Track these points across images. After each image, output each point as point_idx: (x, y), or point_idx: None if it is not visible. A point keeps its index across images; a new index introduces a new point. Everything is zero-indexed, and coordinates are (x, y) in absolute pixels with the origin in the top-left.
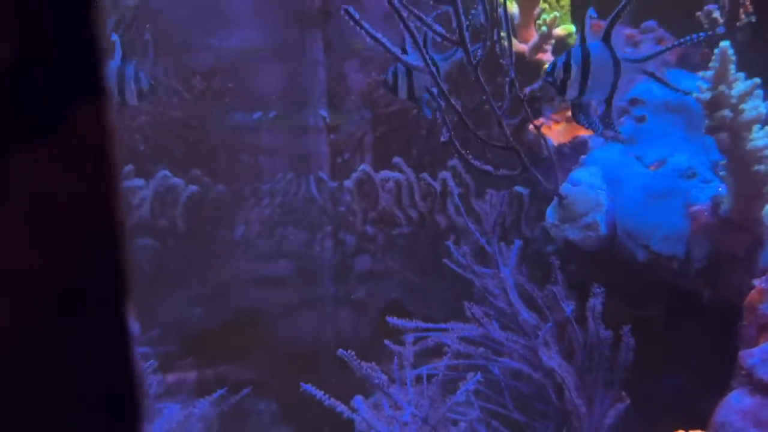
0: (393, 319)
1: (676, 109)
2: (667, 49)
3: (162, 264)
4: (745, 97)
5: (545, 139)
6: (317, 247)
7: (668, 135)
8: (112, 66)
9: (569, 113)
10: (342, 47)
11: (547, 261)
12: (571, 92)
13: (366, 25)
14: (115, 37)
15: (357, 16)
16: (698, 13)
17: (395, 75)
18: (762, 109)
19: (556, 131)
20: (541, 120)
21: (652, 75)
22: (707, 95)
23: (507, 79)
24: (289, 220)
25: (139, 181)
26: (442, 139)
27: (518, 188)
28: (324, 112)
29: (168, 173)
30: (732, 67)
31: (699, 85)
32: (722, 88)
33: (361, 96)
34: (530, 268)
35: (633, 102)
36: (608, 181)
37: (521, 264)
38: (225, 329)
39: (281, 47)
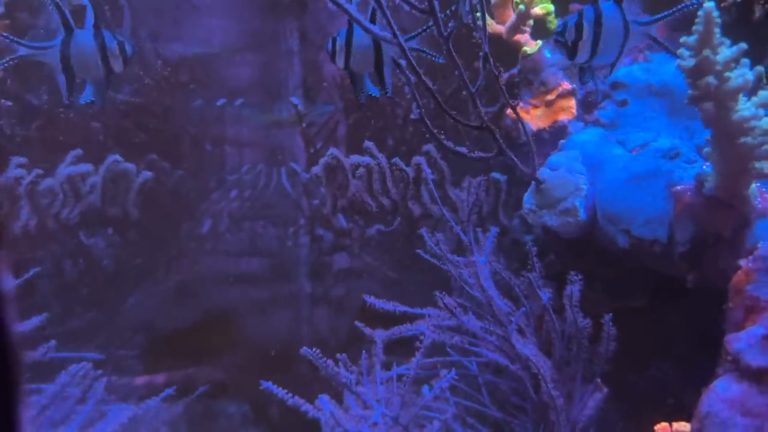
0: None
1: (660, 93)
2: (673, 13)
3: (124, 259)
4: (731, 63)
5: (522, 122)
6: (290, 242)
7: (651, 119)
8: (86, 33)
9: (548, 97)
10: (318, 38)
11: (526, 251)
12: (583, 55)
13: None
14: (86, 2)
15: None
16: None
17: (334, 42)
18: (749, 77)
19: (534, 116)
20: (520, 104)
21: (655, 40)
22: (690, 62)
23: (481, 53)
24: (260, 214)
25: (86, 166)
26: (412, 116)
27: (495, 174)
28: (296, 100)
29: (118, 158)
30: (717, 31)
31: (680, 52)
32: (707, 52)
33: (334, 84)
34: (508, 258)
35: (615, 86)
36: (588, 165)
37: (499, 253)
38: (195, 329)
39: (255, 37)
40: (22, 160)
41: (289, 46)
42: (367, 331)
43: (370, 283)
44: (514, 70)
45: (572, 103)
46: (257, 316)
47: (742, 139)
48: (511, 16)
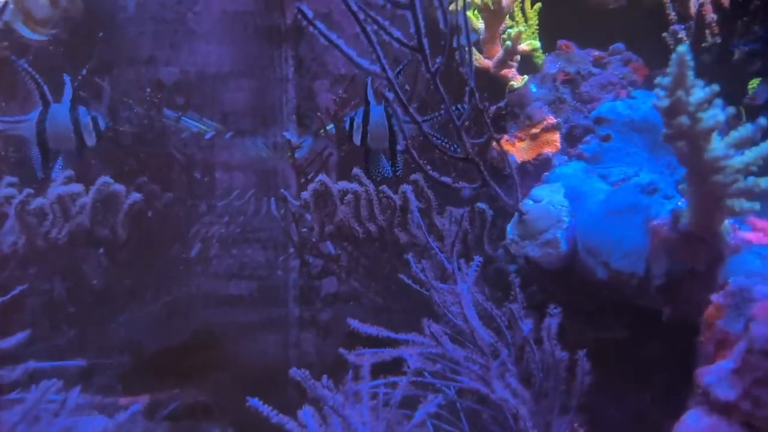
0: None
1: (641, 129)
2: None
3: (113, 279)
4: (703, 104)
5: (506, 156)
6: (279, 271)
7: (633, 154)
8: (62, 109)
9: (533, 130)
10: (313, 65)
11: (509, 280)
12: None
13: (321, 26)
14: (66, 78)
15: (311, 15)
16: (664, 34)
17: (351, 121)
18: (720, 118)
19: (520, 148)
20: (506, 137)
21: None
22: (665, 102)
23: (467, 88)
24: (250, 238)
25: (76, 187)
26: (398, 147)
27: (481, 204)
28: (289, 135)
29: (108, 179)
30: (690, 73)
31: (657, 92)
32: (680, 93)
33: (328, 115)
34: (492, 287)
35: (598, 121)
36: (570, 197)
37: (483, 282)
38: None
39: (251, 63)
40: (13, 179)
41: (284, 73)
42: (351, 357)
43: (358, 308)
44: (501, 103)
45: (557, 136)
46: (245, 339)
47: (715, 178)
48: (499, 52)
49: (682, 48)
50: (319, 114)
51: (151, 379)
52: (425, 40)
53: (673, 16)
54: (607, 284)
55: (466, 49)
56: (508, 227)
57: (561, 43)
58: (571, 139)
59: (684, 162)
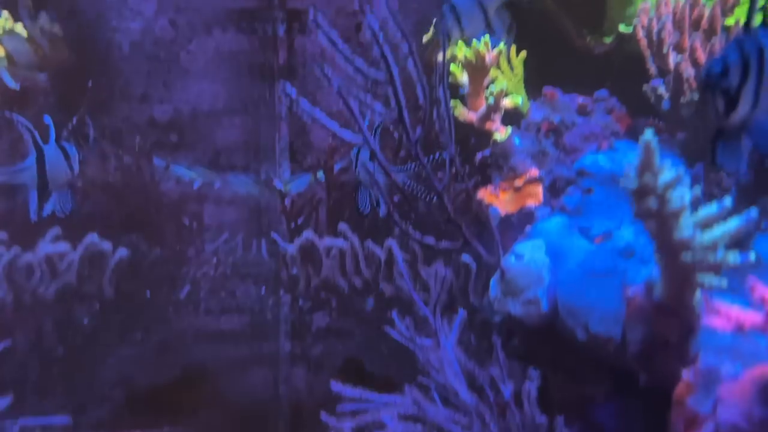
0: (337, 386)
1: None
2: None
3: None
4: (670, 187)
5: (488, 211)
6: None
7: (615, 207)
8: (52, 148)
9: (517, 183)
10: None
11: (494, 331)
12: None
13: (333, 36)
14: (48, 120)
15: (326, 27)
16: (645, 87)
17: (357, 158)
18: (686, 199)
19: (503, 200)
20: (490, 189)
21: None
22: (633, 183)
23: (446, 154)
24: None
25: (64, 246)
26: (381, 213)
27: (465, 257)
28: (279, 184)
29: (96, 238)
30: (656, 157)
31: (626, 172)
32: (647, 178)
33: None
34: (477, 337)
35: (581, 173)
36: (551, 254)
37: (469, 332)
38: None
39: (244, 101)
40: (2, 235)
41: (277, 111)
42: (332, 422)
43: (349, 343)
44: (487, 152)
45: (539, 189)
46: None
47: (684, 256)
48: (483, 105)
49: (647, 136)
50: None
51: (141, 417)
52: (405, 114)
53: (653, 69)
54: (587, 345)
55: (446, 118)
56: (492, 282)
57: (546, 90)
58: (554, 190)
59: (654, 239)
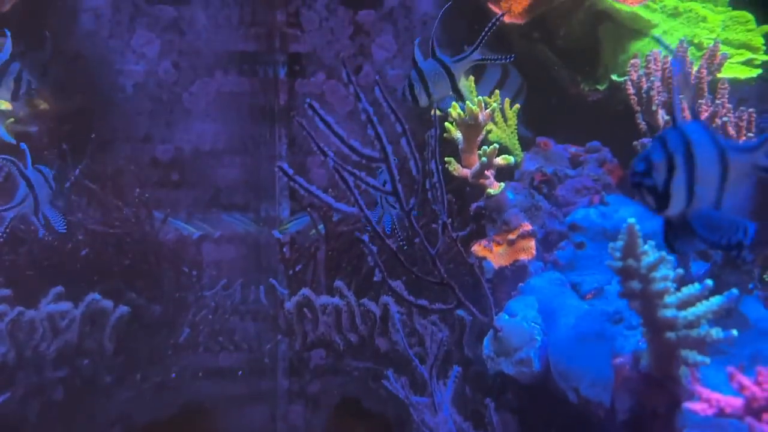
0: None
1: (614, 237)
2: None
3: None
4: (653, 268)
5: (482, 271)
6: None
7: (605, 263)
8: (33, 173)
9: (510, 236)
10: (305, 143)
11: (489, 384)
12: (679, 200)
13: (329, 119)
14: (23, 146)
15: (321, 112)
16: (635, 143)
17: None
18: (669, 281)
19: (497, 254)
20: (484, 243)
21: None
22: (618, 264)
23: (440, 221)
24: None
25: (66, 305)
26: (375, 278)
27: (460, 312)
28: (277, 234)
29: (97, 296)
30: (639, 241)
31: (611, 252)
32: (630, 262)
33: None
34: (473, 389)
35: (573, 227)
36: (544, 313)
37: (464, 384)
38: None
39: (245, 141)
40: (6, 292)
41: (277, 151)
42: None
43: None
44: (481, 203)
45: (532, 243)
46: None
47: (668, 334)
48: (476, 162)
49: (631, 220)
50: (309, 211)
51: None
52: (400, 187)
53: (642, 125)
54: (578, 408)
55: (438, 188)
56: (485, 340)
57: (540, 140)
58: (546, 244)
59: (640, 315)
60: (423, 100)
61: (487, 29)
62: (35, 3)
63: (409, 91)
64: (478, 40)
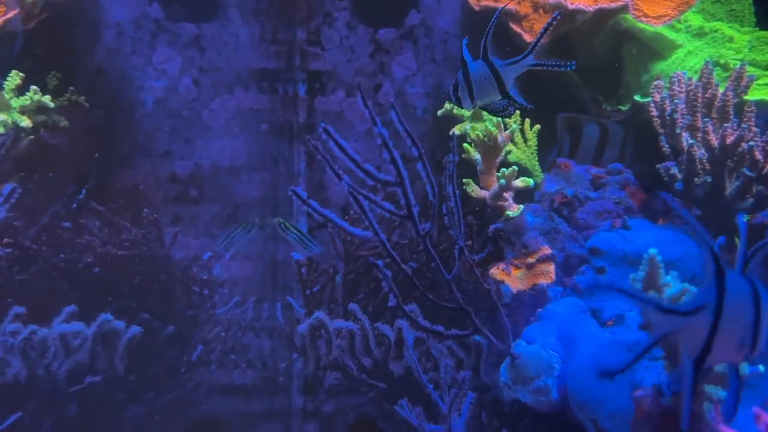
0: None
1: (635, 263)
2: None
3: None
4: (675, 301)
5: (499, 295)
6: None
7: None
8: None
9: (529, 260)
10: (323, 161)
11: (505, 411)
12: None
13: (343, 143)
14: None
15: (336, 136)
16: (658, 166)
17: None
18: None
19: (515, 278)
20: (502, 266)
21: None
22: (641, 296)
23: (456, 247)
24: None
25: (78, 326)
26: (390, 303)
27: (476, 337)
28: (297, 255)
29: (109, 317)
30: (661, 272)
31: (632, 283)
32: (651, 294)
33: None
34: (489, 415)
35: (593, 251)
36: (562, 340)
37: (480, 409)
38: None
39: (263, 158)
40: (20, 310)
41: (296, 168)
42: None
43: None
44: (500, 224)
45: (552, 267)
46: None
47: None
48: (495, 184)
49: (653, 251)
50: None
51: None
52: (415, 210)
53: (666, 149)
54: None
55: (455, 212)
56: (502, 368)
57: (560, 161)
58: (566, 268)
59: (662, 349)
60: (467, 104)
61: (542, 31)
62: (59, 20)
63: (453, 92)
64: (532, 44)
